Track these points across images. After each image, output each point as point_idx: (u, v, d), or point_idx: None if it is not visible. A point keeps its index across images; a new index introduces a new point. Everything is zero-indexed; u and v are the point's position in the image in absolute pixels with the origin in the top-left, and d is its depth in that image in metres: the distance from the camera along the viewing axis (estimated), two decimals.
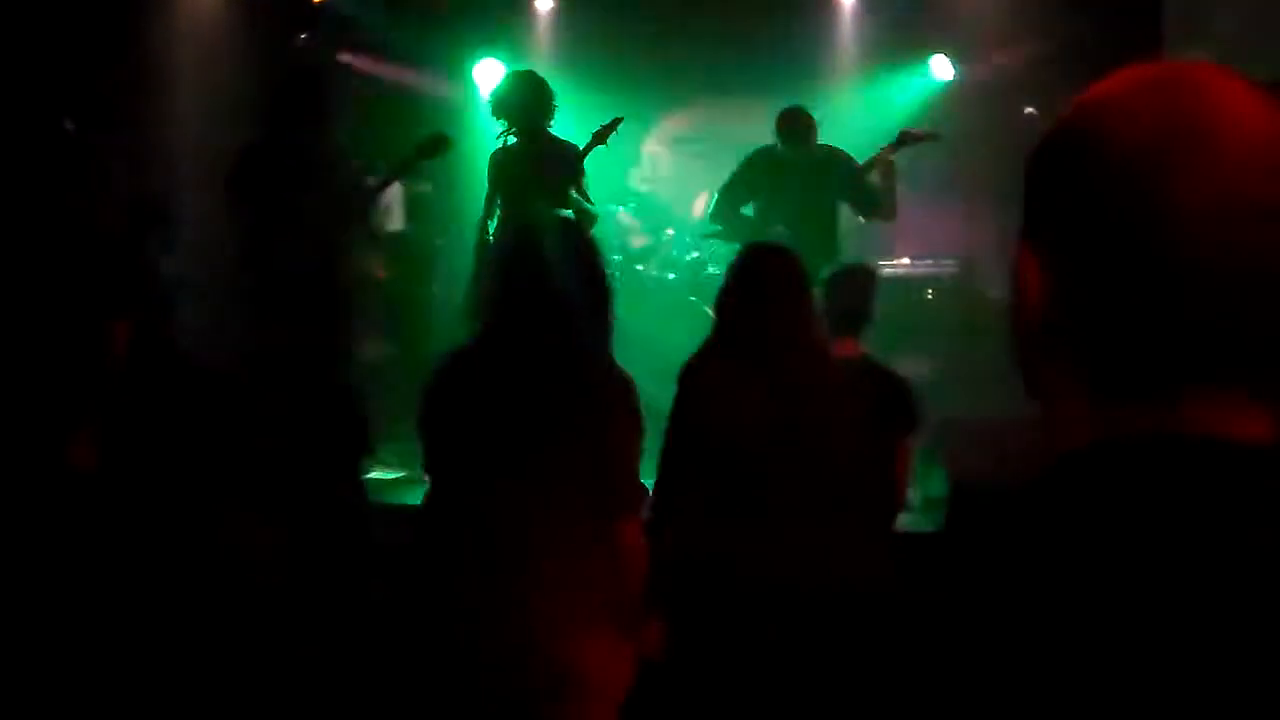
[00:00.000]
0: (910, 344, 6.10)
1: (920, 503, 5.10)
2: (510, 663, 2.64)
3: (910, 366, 4.88)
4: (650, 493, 3.17)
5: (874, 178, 6.16)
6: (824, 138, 6.17)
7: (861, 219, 6.30)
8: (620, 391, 2.82)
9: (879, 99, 7.78)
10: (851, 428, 3.26)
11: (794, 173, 6.05)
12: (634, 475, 2.82)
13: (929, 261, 7.37)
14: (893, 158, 6.14)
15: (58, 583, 1.14)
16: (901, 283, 7.14)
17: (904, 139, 6.20)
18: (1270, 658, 0.76)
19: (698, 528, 3.17)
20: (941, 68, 7.75)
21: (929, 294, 7.31)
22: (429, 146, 5.39)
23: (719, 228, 6.37)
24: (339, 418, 3.54)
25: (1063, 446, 0.90)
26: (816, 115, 6.14)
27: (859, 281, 4.34)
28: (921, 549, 4.12)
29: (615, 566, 2.74)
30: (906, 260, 7.32)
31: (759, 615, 3.02)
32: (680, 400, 3.29)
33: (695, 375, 3.33)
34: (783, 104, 6.20)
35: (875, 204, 6.16)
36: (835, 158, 6.15)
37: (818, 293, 4.01)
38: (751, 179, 6.22)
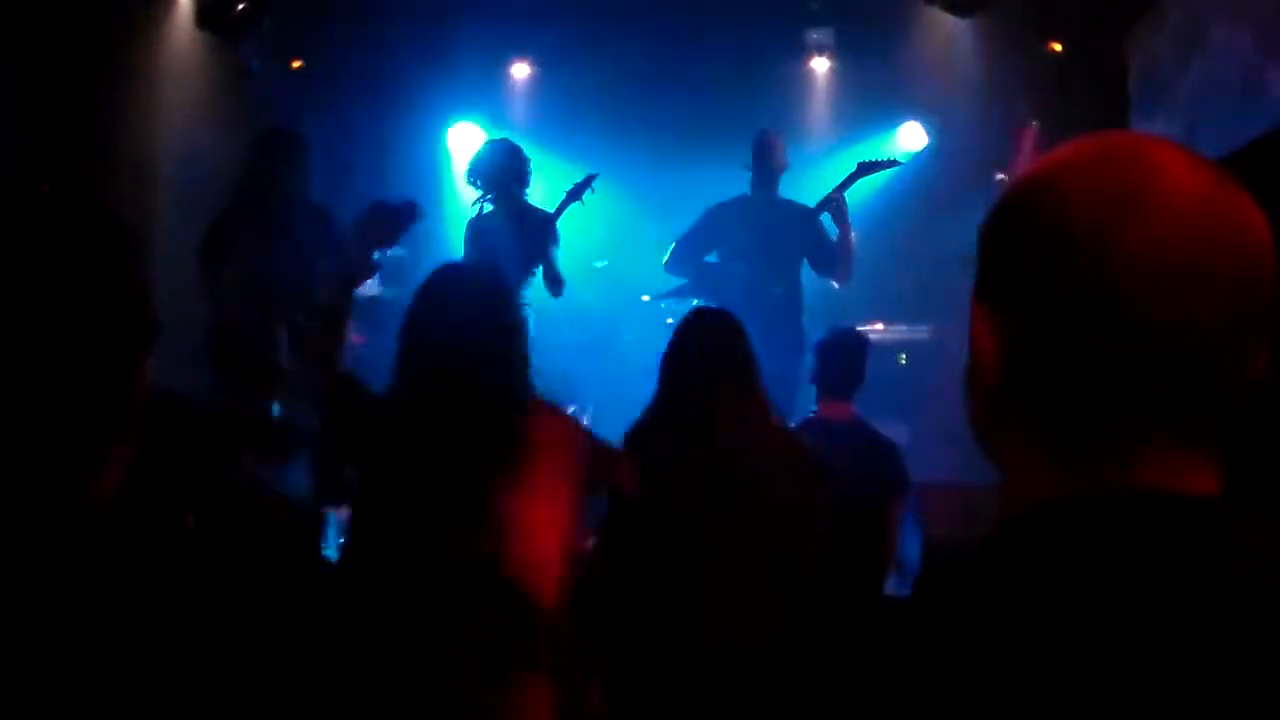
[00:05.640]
0: (885, 408, 6.10)
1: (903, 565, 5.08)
2: (439, 712, 2.60)
3: (886, 430, 4.89)
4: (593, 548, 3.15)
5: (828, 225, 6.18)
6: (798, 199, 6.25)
7: (817, 274, 6.31)
8: (559, 424, 2.82)
9: (853, 166, 7.85)
10: (799, 494, 3.21)
11: (757, 213, 6.08)
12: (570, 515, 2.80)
13: (902, 327, 7.41)
14: (844, 195, 6.14)
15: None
16: (875, 347, 7.15)
17: (861, 169, 6.23)
18: (1221, 708, 0.77)
19: (636, 591, 3.14)
20: (914, 135, 7.85)
21: (902, 359, 7.33)
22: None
23: (681, 280, 6.35)
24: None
25: (1020, 505, 0.92)
26: (790, 177, 6.22)
27: (850, 345, 4.36)
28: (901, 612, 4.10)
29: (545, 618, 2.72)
30: (880, 325, 7.36)
31: (690, 681, 2.99)
32: None
33: (636, 441, 3.30)
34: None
35: (830, 257, 6.16)
36: (793, 204, 6.21)
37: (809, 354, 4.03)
38: (711, 225, 6.23)
